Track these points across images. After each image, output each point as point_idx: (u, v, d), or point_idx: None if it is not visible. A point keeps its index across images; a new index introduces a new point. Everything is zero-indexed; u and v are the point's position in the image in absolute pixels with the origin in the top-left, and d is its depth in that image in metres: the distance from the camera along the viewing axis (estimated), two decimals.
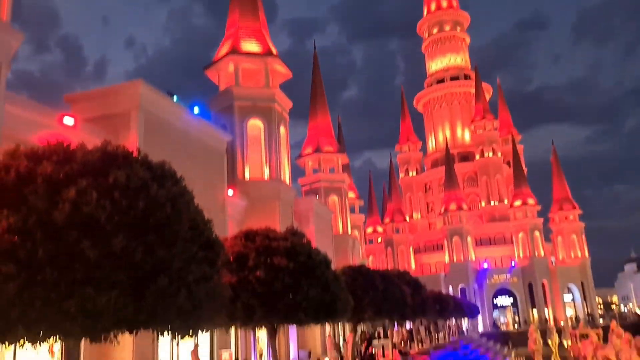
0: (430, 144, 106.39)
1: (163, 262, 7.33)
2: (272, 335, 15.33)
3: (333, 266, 15.93)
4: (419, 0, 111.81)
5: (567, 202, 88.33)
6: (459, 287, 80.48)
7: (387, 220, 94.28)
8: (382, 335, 47.50)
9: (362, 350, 25.99)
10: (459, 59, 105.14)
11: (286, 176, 35.98)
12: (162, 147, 20.60)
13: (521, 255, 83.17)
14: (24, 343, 6.98)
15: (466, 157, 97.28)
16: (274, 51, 36.83)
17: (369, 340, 26.77)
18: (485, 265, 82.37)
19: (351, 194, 70.96)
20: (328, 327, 36.77)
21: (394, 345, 33.54)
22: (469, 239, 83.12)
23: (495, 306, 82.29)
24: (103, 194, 7.24)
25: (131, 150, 8.52)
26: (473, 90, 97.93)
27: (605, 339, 37.54)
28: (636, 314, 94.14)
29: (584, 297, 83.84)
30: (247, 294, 13.00)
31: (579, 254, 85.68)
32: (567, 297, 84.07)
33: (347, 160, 59.45)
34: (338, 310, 14.71)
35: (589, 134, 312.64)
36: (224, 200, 28.16)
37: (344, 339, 33.43)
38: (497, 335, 70.09)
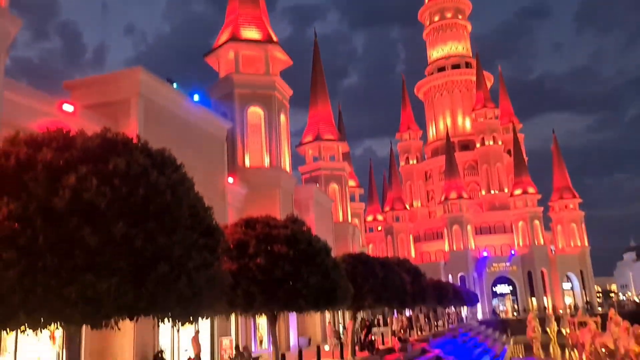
0: (431, 132, 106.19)
1: (163, 249, 7.34)
2: (272, 323, 15.40)
3: (333, 254, 15.96)
4: None
5: (567, 191, 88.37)
6: (459, 275, 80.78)
7: (387, 208, 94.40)
8: (381, 322, 47.81)
9: (362, 337, 26.13)
10: (460, 47, 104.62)
11: (286, 164, 35.95)
12: (162, 135, 20.53)
13: (521, 243, 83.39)
14: (25, 329, 7.01)
15: (467, 145, 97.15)
16: (275, 38, 36.62)
17: (368, 327, 26.90)
18: (485, 254, 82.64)
19: (351, 182, 70.99)
20: (328, 315, 36.96)
21: (393, 333, 33.74)
22: (469, 227, 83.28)
23: (494, 294, 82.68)
24: (103, 181, 7.24)
25: (131, 137, 8.50)
26: (474, 79, 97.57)
27: (604, 327, 37.79)
28: (635, 302, 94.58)
29: (583, 286, 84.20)
30: (248, 281, 13.05)
31: (579, 243, 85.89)
32: (566, 286, 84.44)
33: (348, 149, 59.41)
34: (338, 298, 14.77)
35: (590, 123, 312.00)
36: (224, 188, 28.15)
37: (344, 327, 33.61)
38: (496, 323, 70.53)
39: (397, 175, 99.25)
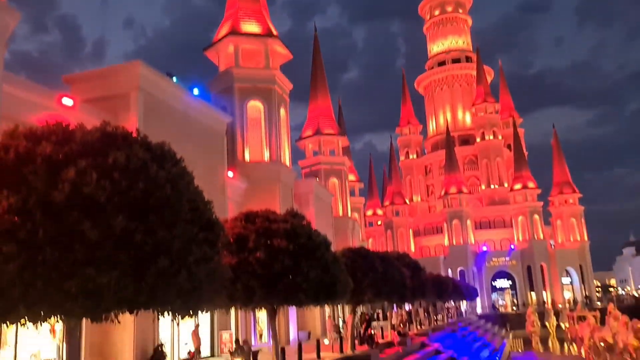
0: (431, 126, 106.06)
1: (163, 243, 7.34)
2: (272, 317, 15.43)
3: (333, 248, 15.97)
4: None
5: (567, 185, 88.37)
6: (458, 269, 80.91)
7: (387, 203, 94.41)
8: (381, 317, 47.92)
9: (362, 331, 26.19)
10: (460, 41, 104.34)
11: (286, 158, 35.93)
12: (162, 129, 20.52)
13: (520, 238, 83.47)
14: (25, 323, 7.02)
15: (467, 140, 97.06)
16: (274, 32, 36.52)
17: (368, 321, 26.96)
18: (485, 248, 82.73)
19: (351, 177, 70.99)
20: (328, 309, 37.05)
21: (392, 327, 33.81)
22: (468, 222, 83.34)
23: (494, 289, 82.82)
24: (103, 175, 7.23)
25: (130, 131, 8.48)
26: (474, 73, 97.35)
27: (603, 322, 37.89)
28: (634, 296, 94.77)
29: (582, 280, 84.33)
30: (247, 275, 13.06)
31: (578, 238, 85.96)
32: (566, 280, 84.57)
33: (348, 143, 59.36)
34: (338, 292, 14.79)
35: (590, 117, 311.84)
36: (224, 182, 28.15)
37: (344, 321, 33.69)
38: (496, 317, 70.68)
39: (397, 169, 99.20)
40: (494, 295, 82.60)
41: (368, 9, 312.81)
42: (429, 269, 41.74)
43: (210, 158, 26.71)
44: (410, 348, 28.15)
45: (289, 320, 32.19)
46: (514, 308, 77.80)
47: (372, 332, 26.58)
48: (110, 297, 6.94)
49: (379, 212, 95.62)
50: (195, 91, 26.73)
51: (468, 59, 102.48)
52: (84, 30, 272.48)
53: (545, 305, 75.42)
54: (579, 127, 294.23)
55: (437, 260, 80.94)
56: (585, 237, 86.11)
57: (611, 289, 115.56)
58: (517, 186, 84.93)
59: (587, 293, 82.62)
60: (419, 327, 39.32)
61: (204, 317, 23.02)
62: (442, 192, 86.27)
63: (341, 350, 22.09)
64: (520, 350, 52.41)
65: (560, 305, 73.78)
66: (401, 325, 34.27)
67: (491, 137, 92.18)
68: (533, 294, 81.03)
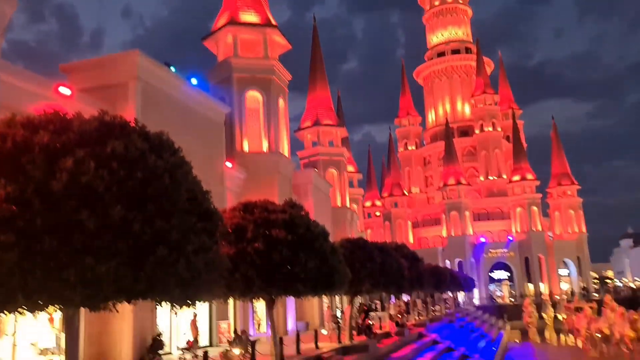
0: (430, 117, 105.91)
1: (162, 232, 7.34)
2: (270, 307, 15.47)
3: (331, 239, 15.99)
4: None
5: (566, 177, 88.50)
6: (456, 260, 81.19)
7: (385, 194, 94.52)
8: (379, 307, 48.12)
9: (360, 321, 26.30)
10: (460, 32, 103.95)
11: (285, 149, 35.88)
12: (160, 119, 20.41)
13: (519, 229, 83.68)
14: (23, 312, 7.03)
15: (466, 131, 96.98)
16: (274, 22, 36.34)
17: (366, 312, 27.06)
18: (483, 240, 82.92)
19: (350, 168, 70.99)
20: (326, 299, 37.17)
21: (391, 317, 33.95)
22: (467, 213, 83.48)
23: (491, 280, 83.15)
24: (101, 164, 7.22)
25: (128, 120, 8.45)
26: (474, 64, 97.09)
27: (600, 313, 38.12)
28: (630, 288, 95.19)
29: (580, 272, 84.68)
30: (246, 265, 13.08)
31: (576, 229, 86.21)
32: (563, 272, 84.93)
33: (347, 134, 59.24)
34: (336, 282, 14.83)
35: (590, 109, 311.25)
36: (222, 173, 28.13)
37: (342, 311, 33.81)
38: (493, 308, 71.03)
39: (396, 161, 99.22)
40: (492, 287, 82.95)
41: None
42: (427, 260, 41.88)
43: (208, 148, 26.67)
44: (407, 338, 28.29)
45: (286, 310, 32.30)
46: (512, 299, 78.16)
47: (370, 323, 26.69)
48: (109, 286, 6.95)
49: (378, 203, 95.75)
50: (194, 81, 26.62)
51: (468, 50, 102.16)
52: (82, 19, 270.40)
53: (543, 297, 75.78)
54: (578, 119, 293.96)
55: (435, 252, 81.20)
56: (583, 229, 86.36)
57: (608, 281, 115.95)
58: (516, 178, 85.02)
59: (584, 284, 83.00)
60: (416, 317, 39.49)
61: (202, 307, 23.07)
62: (441, 184, 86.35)
63: (339, 341, 22.19)
64: (517, 341, 52.70)
65: (557, 297, 74.12)
66: (399, 315, 34.39)
67: (490, 129, 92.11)
68: (530, 285, 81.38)
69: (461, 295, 68.68)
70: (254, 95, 34.27)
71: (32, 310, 7.10)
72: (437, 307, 48.48)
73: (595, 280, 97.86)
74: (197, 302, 8.50)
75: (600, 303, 41.67)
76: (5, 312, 7.06)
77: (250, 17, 35.63)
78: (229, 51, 35.18)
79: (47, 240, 6.72)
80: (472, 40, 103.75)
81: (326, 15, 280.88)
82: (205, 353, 13.50)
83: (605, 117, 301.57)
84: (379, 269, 21.79)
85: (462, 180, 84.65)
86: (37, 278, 6.69)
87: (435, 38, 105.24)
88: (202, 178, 8.87)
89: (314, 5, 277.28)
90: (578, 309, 46.19)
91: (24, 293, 6.74)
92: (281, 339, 16.36)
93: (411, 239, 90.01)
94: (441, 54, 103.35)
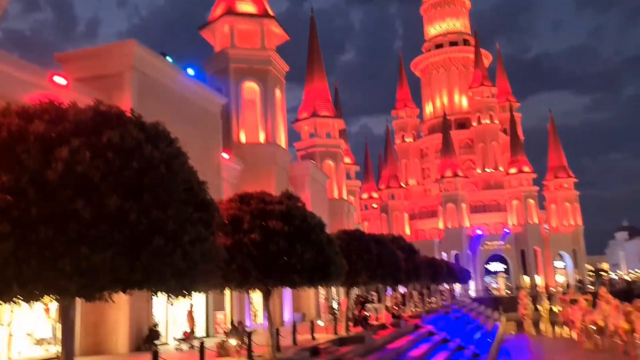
0: (428, 110, 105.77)
1: (158, 222, 7.31)
2: (266, 298, 15.48)
3: (328, 230, 15.99)
4: None
5: (562, 170, 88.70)
6: (453, 253, 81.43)
7: (382, 186, 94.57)
8: (376, 299, 48.28)
9: (356, 313, 26.37)
10: (458, 24, 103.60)
11: (282, 140, 35.81)
12: (156, 109, 20.31)
13: (515, 222, 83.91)
14: (18, 301, 7.01)
15: (463, 123, 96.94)
16: (271, 12, 36.14)
17: (362, 303, 27.13)
18: (479, 232, 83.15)
19: (347, 160, 70.93)
20: (322, 291, 37.26)
21: (387, 309, 34.05)
22: (463, 205, 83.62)
23: (487, 272, 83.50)
24: (96, 154, 7.18)
25: (124, 110, 8.39)
26: (472, 56, 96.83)
27: (595, 305, 38.31)
28: (625, 280, 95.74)
29: (575, 264, 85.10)
30: (242, 256, 13.07)
31: (572, 222, 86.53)
32: (559, 264, 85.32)
33: (344, 126, 59.22)
34: (332, 274, 14.84)
35: (588, 102, 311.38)
36: (219, 164, 28.06)
37: (338, 303, 33.91)
38: (489, 300, 71.34)
39: (393, 153, 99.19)
40: (488, 279, 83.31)
41: None
42: (424, 252, 41.95)
43: (205, 139, 26.58)
44: (403, 330, 28.39)
45: (283, 301, 32.37)
46: (507, 291, 78.48)
47: (367, 314, 26.77)
48: (105, 276, 6.93)
49: (375, 195, 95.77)
50: (190, 71, 26.49)
51: (466, 42, 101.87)
52: (77, 8, 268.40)
53: (538, 289, 76.14)
54: (576, 112, 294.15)
55: (432, 244, 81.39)
56: (579, 222, 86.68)
57: (603, 273, 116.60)
58: (513, 170, 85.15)
59: (579, 277, 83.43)
60: (413, 309, 39.63)
61: (198, 298, 23.11)
62: (438, 176, 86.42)
63: (335, 332, 22.25)
64: (512, 333, 53.00)
65: (553, 289, 74.47)
66: (395, 307, 34.51)
67: (487, 121, 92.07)
68: (526, 277, 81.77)
69: (457, 287, 68.92)
70: (250, 86, 34.14)
71: (27, 300, 7.08)
72: (433, 299, 48.65)
73: (591, 273, 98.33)
74: (193, 292, 8.49)
75: (595, 295, 41.83)
76: (1, 301, 7.04)
77: (247, 7, 35.42)
78: (226, 41, 35.01)
79: (42, 230, 6.70)
80: (470, 32, 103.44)
81: (324, 5, 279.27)
82: (202, 344, 13.52)
83: (602, 110, 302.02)
84: (376, 260, 21.82)
85: (459, 172, 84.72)
86: (32, 268, 6.67)
87: (433, 30, 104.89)
88: (198, 169, 8.83)
89: None
90: (573, 301, 46.39)
91: (20, 283, 6.72)
92: (277, 330, 16.39)
93: (408, 231, 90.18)
94: (439, 46, 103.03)
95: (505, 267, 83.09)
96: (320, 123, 51.15)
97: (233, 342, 16.33)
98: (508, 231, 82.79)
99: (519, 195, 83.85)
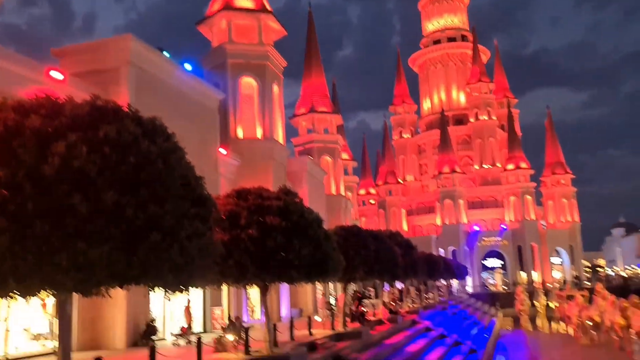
0: (425, 105, 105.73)
1: (155, 217, 7.29)
2: (264, 293, 15.48)
3: (325, 226, 15.98)
4: None
5: (560, 166, 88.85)
6: (450, 249, 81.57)
7: (380, 182, 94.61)
8: (373, 295, 48.35)
9: (354, 309, 26.41)
10: (456, 20, 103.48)
11: (279, 136, 35.77)
12: (153, 104, 20.27)
13: (512, 218, 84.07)
14: (15, 296, 6.99)
15: (461, 120, 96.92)
16: (268, 7, 36.04)
17: (360, 299, 27.18)
18: (477, 228, 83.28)
19: (345, 156, 70.94)
20: (320, 286, 37.31)
21: (384, 305, 34.11)
22: (461, 201, 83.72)
23: (484, 268, 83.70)
24: (93, 149, 7.15)
25: (121, 105, 8.36)
26: (470, 52, 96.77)
27: (591, 301, 38.47)
28: (622, 276, 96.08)
29: (572, 260, 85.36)
30: (240, 251, 13.04)
31: (569, 218, 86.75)
32: (556, 260, 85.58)
33: (342, 121, 59.15)
34: (330, 269, 14.84)
35: (585, 98, 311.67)
36: (216, 159, 28.02)
37: (336, 298, 33.96)
38: (486, 296, 71.54)
39: (391, 148, 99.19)
40: (485, 275, 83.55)
41: None
42: (421, 248, 42.02)
43: (202, 134, 26.53)
44: (401, 325, 28.44)
45: (280, 297, 32.41)
46: (504, 287, 78.73)
47: (364, 310, 26.80)
48: (102, 270, 6.92)
49: (372, 191, 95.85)
50: (188, 67, 26.41)
51: (464, 38, 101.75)
52: (74, 3, 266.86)
53: (535, 285, 76.35)
54: (573, 108, 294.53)
55: (429, 240, 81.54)
56: (576, 218, 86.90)
57: (600, 269, 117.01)
58: (510, 166, 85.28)
59: (576, 273, 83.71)
60: (410, 305, 39.70)
61: (196, 294, 23.11)
62: (435, 172, 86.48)
63: (332, 327, 22.28)
64: (509, 329, 53.16)
65: (549, 285, 74.70)
66: (392, 303, 34.58)
67: (485, 117, 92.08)
68: (523, 273, 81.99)
69: (454, 283, 69.10)
70: (248, 82, 34.08)
71: (24, 295, 7.07)
72: (431, 295, 48.75)
73: (587, 269, 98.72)
74: (190, 288, 8.48)
75: (591, 291, 42.02)
76: None
77: (244, 2, 35.32)
78: (224, 37, 34.92)
79: (38, 225, 6.67)
80: (468, 28, 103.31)
81: (321, 1, 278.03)
82: (199, 339, 13.51)
83: (600, 106, 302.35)
84: (373, 256, 21.83)
85: (457, 168, 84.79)
86: (29, 262, 6.65)
87: (431, 25, 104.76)
88: (195, 164, 8.81)
89: None
90: (570, 297, 46.58)
91: (16, 277, 6.71)
92: (275, 326, 16.41)
93: (405, 227, 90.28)
94: (437, 42, 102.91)
95: (502, 263, 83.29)
96: (317, 119, 51.09)
97: (230, 337, 16.33)
98: (505, 227, 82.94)
99: (516, 191, 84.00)
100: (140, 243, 7.12)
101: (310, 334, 20.11)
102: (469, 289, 77.90)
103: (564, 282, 78.61)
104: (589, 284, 75.63)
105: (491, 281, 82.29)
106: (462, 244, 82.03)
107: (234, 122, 33.10)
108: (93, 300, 8.60)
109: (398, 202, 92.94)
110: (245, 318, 26.54)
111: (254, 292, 27.72)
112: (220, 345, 15.98)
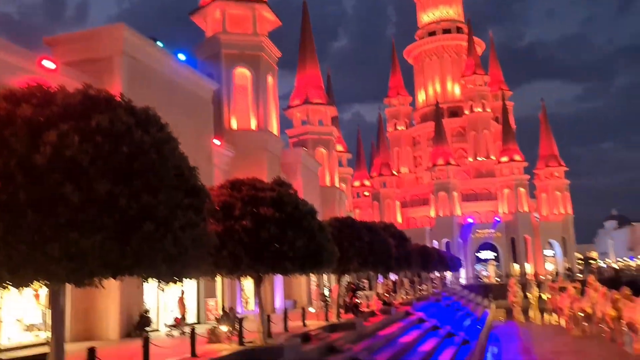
0: (420, 97, 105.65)
1: (148, 207, 7.25)
2: (258, 285, 15.47)
3: (320, 218, 15.96)
4: None
5: (553, 159, 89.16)
6: (444, 241, 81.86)
7: (374, 174, 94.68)
8: (367, 286, 48.51)
9: (348, 300, 26.48)
10: (451, 12, 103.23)
11: (274, 127, 35.65)
12: (147, 94, 20.10)
13: (506, 210, 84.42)
14: (8, 287, 6.95)
15: (455, 112, 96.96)
16: None
17: (354, 290, 27.24)
18: (470, 220, 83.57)
19: (339, 147, 70.88)
20: (314, 278, 37.37)
21: (378, 296, 34.24)
22: (455, 193, 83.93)
23: (478, 260, 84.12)
24: (85, 138, 7.08)
25: (114, 94, 8.28)
26: (465, 44, 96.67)
27: (583, 293, 38.74)
28: (613, 269, 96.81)
29: (565, 253, 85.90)
30: (234, 243, 13.01)
31: (562, 211, 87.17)
32: (549, 252, 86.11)
33: (336, 113, 59.02)
34: (324, 261, 14.83)
35: (580, 91, 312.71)
36: (210, 150, 27.91)
37: (330, 290, 34.03)
38: (479, 287, 71.95)
39: (385, 140, 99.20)
40: (478, 266, 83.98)
41: None
42: (415, 240, 42.11)
43: (196, 125, 26.39)
44: (394, 317, 28.56)
45: (274, 288, 32.44)
46: (497, 279, 79.18)
47: (358, 301, 26.87)
48: (94, 260, 6.88)
49: (367, 183, 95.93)
50: (181, 57, 26.23)
51: (459, 30, 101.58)
52: None
53: (528, 277, 76.84)
54: (568, 101, 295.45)
55: (423, 232, 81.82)
56: (569, 211, 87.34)
57: (592, 262, 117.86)
58: (504, 159, 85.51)
59: (568, 265, 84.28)
60: (403, 296, 39.87)
61: (190, 285, 23.10)
62: (430, 164, 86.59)
63: (326, 319, 22.33)
64: (502, 320, 53.54)
65: (542, 277, 75.19)
66: (386, 294, 34.69)
67: (480, 110, 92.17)
68: (516, 265, 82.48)
69: (448, 275, 69.41)
70: (242, 72, 33.90)
71: (16, 285, 7.03)
72: (424, 287, 48.94)
73: (580, 261, 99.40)
74: (184, 278, 8.45)
75: (583, 283, 42.32)
76: None
77: None
78: (218, 27, 34.69)
79: (30, 215, 6.62)
80: (463, 20, 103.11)
81: None
82: (193, 330, 13.50)
83: (594, 99, 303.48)
84: (367, 248, 21.84)
85: (451, 160, 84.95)
86: (21, 252, 6.61)
87: (427, 17, 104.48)
88: (189, 155, 8.74)
89: None
90: (562, 289, 46.88)
91: (8, 268, 6.67)
92: (269, 317, 16.42)
93: (399, 219, 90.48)
94: (432, 33, 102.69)
95: (496, 255, 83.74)
96: (312, 110, 50.96)
97: (224, 328, 16.33)
98: (499, 219, 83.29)
99: (510, 183, 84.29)
100: (134, 233, 7.08)
101: (304, 325, 20.15)
102: (463, 280, 78.30)
103: (557, 274, 79.13)
104: (581, 276, 76.18)
105: (484, 273, 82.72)
106: (456, 236, 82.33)
107: (228, 113, 32.96)
108: (86, 291, 8.55)
109: (392, 194, 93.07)
110: (239, 309, 26.56)
111: (248, 283, 27.73)
112: (214, 336, 15.97)
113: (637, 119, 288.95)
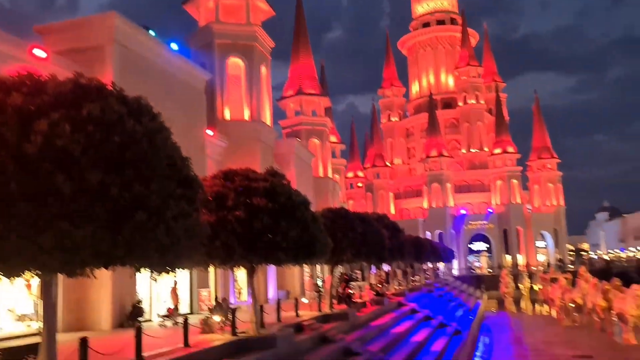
0: (414, 89, 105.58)
1: (141, 197, 7.21)
2: (251, 275, 15.47)
3: (313, 209, 15.95)
4: None
5: (546, 151, 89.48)
6: (437, 232, 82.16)
7: (368, 165, 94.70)
8: (360, 277, 48.70)
9: (341, 291, 26.55)
10: (446, 3, 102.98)
11: (267, 117, 35.53)
12: (139, 84, 19.95)
13: (498, 202, 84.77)
14: None
15: (449, 103, 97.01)
16: None
17: (347, 281, 27.32)
18: (463, 212, 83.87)
19: (333, 138, 70.77)
20: (307, 269, 37.44)
21: (371, 287, 34.37)
22: (448, 185, 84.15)
23: (470, 251, 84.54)
24: (76, 127, 7.02)
25: (105, 83, 8.20)
26: (459, 36, 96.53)
27: (574, 284, 39.06)
28: (604, 260, 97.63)
29: (557, 244, 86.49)
30: (227, 233, 12.98)
31: (554, 202, 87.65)
32: (540, 244, 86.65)
33: (330, 104, 58.89)
34: (317, 251, 14.84)
35: (573, 83, 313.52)
36: (203, 140, 27.80)
37: (323, 280, 34.11)
38: (471, 278, 72.39)
39: (379, 132, 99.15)
40: (471, 258, 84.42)
41: None
42: (408, 231, 42.22)
43: (189, 115, 26.25)
44: (387, 307, 28.69)
45: (267, 279, 32.49)
46: (490, 270, 79.67)
47: (351, 292, 26.96)
48: (86, 250, 6.84)
49: (360, 174, 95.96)
50: (174, 46, 26.03)
51: (453, 21, 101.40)
52: None
53: (520, 268, 77.37)
54: (561, 93, 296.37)
55: (416, 223, 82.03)
56: (562, 202, 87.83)
57: (583, 253, 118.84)
58: (497, 151, 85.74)
59: (560, 256, 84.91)
60: (396, 287, 40.05)
61: (183, 275, 23.06)
62: (423, 155, 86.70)
63: (319, 309, 22.40)
64: (493, 310, 53.92)
65: (534, 268, 75.74)
66: (379, 285, 34.82)
67: (473, 101, 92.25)
68: (508, 256, 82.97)
69: (441, 266, 69.75)
70: (235, 62, 33.71)
71: (8, 275, 6.99)
72: (417, 277, 49.17)
73: (571, 252, 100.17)
74: (176, 268, 8.43)
75: (575, 274, 42.64)
76: None
77: None
78: (211, 16, 34.43)
79: (22, 205, 6.57)
80: (457, 11, 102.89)
81: None
82: (186, 320, 13.49)
83: (587, 91, 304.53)
84: (360, 238, 21.88)
85: (444, 152, 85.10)
86: (12, 242, 6.56)
87: (421, 8, 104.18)
88: (182, 145, 8.70)
89: None
90: (553, 280, 47.25)
91: (0, 258, 6.61)
92: (262, 307, 16.44)
93: (393, 210, 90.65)
94: (426, 25, 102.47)
95: (488, 246, 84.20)
96: (306, 101, 50.82)
97: (217, 318, 16.34)
98: (491, 211, 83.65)
99: (503, 175, 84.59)
100: (126, 223, 7.05)
101: (297, 315, 20.21)
102: (455, 271, 78.71)
103: (548, 265, 79.71)
104: (573, 267, 76.79)
105: (477, 264, 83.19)
106: (449, 227, 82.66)
107: (221, 103, 32.79)
108: (78, 281, 8.51)
109: (386, 185, 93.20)
110: (232, 299, 26.59)
111: (241, 273, 27.74)
112: (206, 327, 15.98)
113: (630, 111, 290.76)
